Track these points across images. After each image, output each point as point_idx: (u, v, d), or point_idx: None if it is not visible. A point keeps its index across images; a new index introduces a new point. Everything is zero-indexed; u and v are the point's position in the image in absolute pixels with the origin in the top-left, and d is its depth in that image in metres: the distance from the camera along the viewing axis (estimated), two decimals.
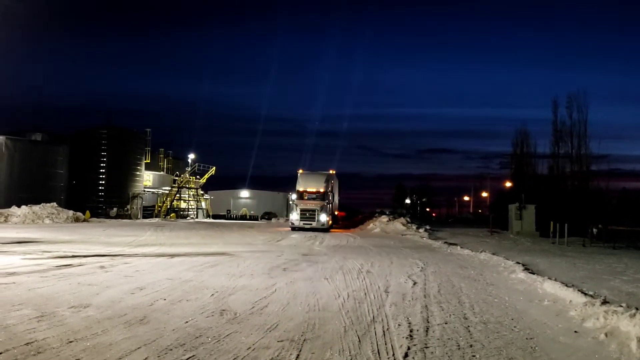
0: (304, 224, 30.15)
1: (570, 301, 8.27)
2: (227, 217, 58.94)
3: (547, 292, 9.43)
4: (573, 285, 9.46)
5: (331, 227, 31.75)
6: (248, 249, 17.27)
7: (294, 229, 30.38)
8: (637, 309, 6.62)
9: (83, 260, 12.46)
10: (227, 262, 13.00)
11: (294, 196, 32.68)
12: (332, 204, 32.71)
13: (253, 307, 7.44)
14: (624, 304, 7.14)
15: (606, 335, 6.19)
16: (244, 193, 68.64)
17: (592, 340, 6.16)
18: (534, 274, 11.53)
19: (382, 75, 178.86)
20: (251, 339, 5.77)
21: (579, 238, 24.00)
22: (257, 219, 55.98)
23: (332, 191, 32.63)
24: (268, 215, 58.26)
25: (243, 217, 59.01)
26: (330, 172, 33.52)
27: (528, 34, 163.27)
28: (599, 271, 12.85)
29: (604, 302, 7.47)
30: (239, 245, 18.89)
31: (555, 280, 10.19)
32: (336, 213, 36.79)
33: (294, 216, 30.92)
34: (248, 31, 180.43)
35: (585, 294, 8.46)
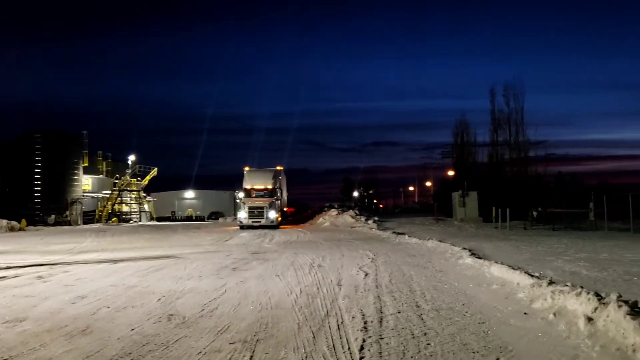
0: (252, 222, 29.77)
1: (518, 283, 8.46)
2: (172, 218, 57.50)
3: (494, 275, 9.64)
4: (519, 268, 9.69)
5: (281, 223, 31.53)
6: (195, 250, 16.84)
7: (243, 227, 29.94)
8: (582, 287, 6.82)
9: (19, 271, 11.75)
10: (173, 265, 12.60)
11: (241, 194, 32.21)
12: (280, 200, 32.52)
13: (202, 310, 7.19)
14: (569, 284, 7.33)
15: (555, 315, 6.33)
16: (189, 193, 67.09)
17: (542, 320, 6.29)
18: (480, 258, 11.78)
19: (325, 71, 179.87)
20: (201, 343, 5.55)
21: (520, 222, 24.90)
22: (203, 220, 54.92)
23: (280, 187, 32.43)
24: (215, 215, 57.24)
25: (189, 218, 57.69)
26: (278, 168, 33.30)
27: (465, 25, 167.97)
28: (541, 253, 13.30)
29: (551, 283, 7.67)
30: (185, 247, 18.39)
31: (502, 263, 10.43)
32: (285, 209, 36.58)
33: (242, 214, 30.50)
34: (191, 28, 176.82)
35: (532, 276, 8.67)
